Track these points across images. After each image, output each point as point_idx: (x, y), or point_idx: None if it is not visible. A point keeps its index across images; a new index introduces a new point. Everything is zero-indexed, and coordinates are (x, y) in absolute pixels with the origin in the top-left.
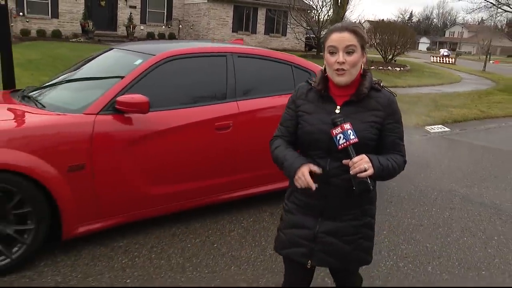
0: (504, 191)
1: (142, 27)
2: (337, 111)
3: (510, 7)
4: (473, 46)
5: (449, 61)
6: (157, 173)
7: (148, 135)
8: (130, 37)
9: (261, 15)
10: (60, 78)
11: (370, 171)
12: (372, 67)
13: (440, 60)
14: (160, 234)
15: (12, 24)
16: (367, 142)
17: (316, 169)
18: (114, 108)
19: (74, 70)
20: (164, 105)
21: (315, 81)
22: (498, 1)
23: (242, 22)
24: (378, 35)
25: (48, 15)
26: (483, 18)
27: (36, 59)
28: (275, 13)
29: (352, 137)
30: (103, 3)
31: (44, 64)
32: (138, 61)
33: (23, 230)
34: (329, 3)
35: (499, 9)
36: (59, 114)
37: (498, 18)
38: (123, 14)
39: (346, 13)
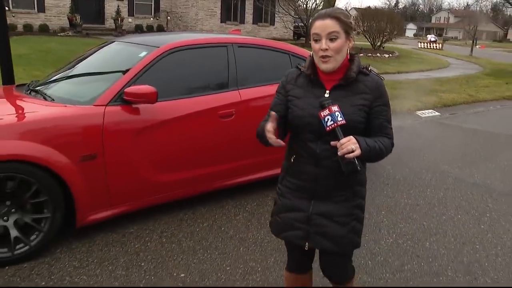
0: (494, 171)
1: (130, 20)
2: (326, 95)
3: None
4: (459, 31)
5: (436, 46)
6: (165, 161)
7: (155, 124)
8: (118, 30)
9: (249, 4)
10: (64, 71)
11: (357, 152)
12: (361, 54)
13: (427, 46)
14: (169, 220)
15: None
16: (356, 125)
17: (270, 126)
18: (122, 99)
19: (76, 64)
20: (169, 95)
21: (305, 67)
22: None
23: (230, 12)
24: (366, 22)
25: (35, 9)
26: (469, 3)
27: (26, 54)
28: (263, 2)
29: (339, 118)
30: None
31: (35, 58)
32: (143, 53)
33: (40, 218)
34: None
35: None
36: (70, 106)
37: (484, 3)
38: (110, 7)
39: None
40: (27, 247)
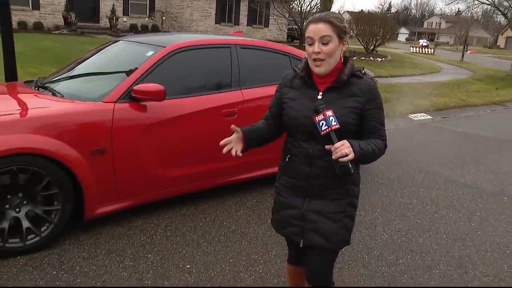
0: (484, 173)
1: (125, 19)
2: (319, 97)
3: None
4: (450, 36)
5: (428, 51)
6: (170, 157)
7: (162, 121)
8: (113, 29)
9: (244, 6)
10: (71, 69)
11: (351, 155)
12: (355, 58)
13: (419, 50)
14: (172, 214)
15: None
16: (347, 126)
17: (223, 140)
18: (130, 96)
19: (83, 62)
20: (175, 93)
21: (299, 68)
22: None
23: (225, 14)
24: (359, 25)
25: (29, 6)
26: (460, 9)
27: (22, 51)
28: (258, 4)
29: (334, 123)
30: None
31: (31, 56)
32: (150, 53)
33: (51, 210)
34: None
35: (475, 1)
36: (81, 103)
37: (475, 9)
38: (105, 6)
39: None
40: (38, 238)
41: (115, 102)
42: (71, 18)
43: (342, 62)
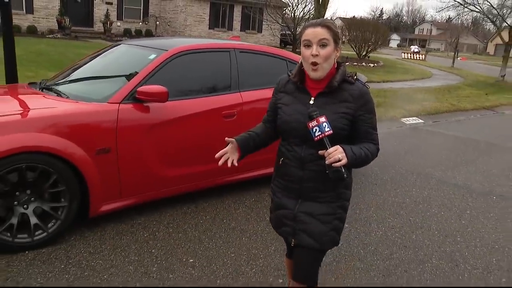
0: (474, 174)
1: (118, 24)
2: (311, 102)
3: (475, 7)
4: (441, 43)
5: (419, 57)
6: (172, 156)
7: (164, 122)
8: (107, 33)
9: (237, 12)
10: (74, 71)
11: (344, 161)
12: (347, 63)
13: (411, 56)
14: (173, 212)
15: None
16: (338, 131)
17: (219, 152)
18: (134, 97)
19: (85, 64)
20: (176, 95)
21: (293, 74)
22: (465, 1)
23: (219, 19)
24: (352, 32)
25: (23, 10)
26: (451, 16)
27: (18, 55)
28: (251, 10)
29: (327, 129)
30: None
31: (27, 60)
32: (152, 56)
33: (57, 207)
34: (304, 0)
35: (465, 9)
36: (87, 103)
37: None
38: (99, 10)
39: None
40: (45, 234)
41: (119, 103)
42: (65, 22)
43: (335, 68)
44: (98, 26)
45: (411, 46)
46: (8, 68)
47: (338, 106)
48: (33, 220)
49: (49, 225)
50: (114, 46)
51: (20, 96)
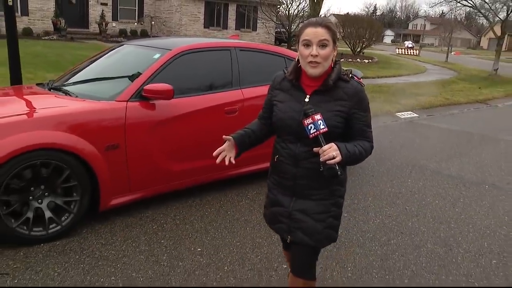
0: (467, 165)
1: (114, 24)
2: (306, 99)
3: (468, 2)
4: (435, 38)
5: (413, 52)
6: (177, 151)
7: (169, 118)
8: (102, 34)
9: (232, 10)
10: (79, 72)
11: (338, 158)
12: (342, 59)
13: (405, 52)
14: (179, 205)
15: None
16: (333, 129)
17: (217, 150)
18: (141, 95)
19: (90, 65)
20: (180, 92)
21: (288, 71)
22: None
23: (214, 18)
24: (346, 28)
25: (18, 12)
26: (444, 11)
27: None
28: (246, 8)
29: (322, 127)
30: (74, 0)
31: (24, 62)
32: (157, 55)
33: (70, 201)
34: None
35: (458, 3)
36: (96, 102)
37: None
38: (94, 12)
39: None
40: (59, 227)
41: (127, 101)
42: (60, 23)
43: (331, 66)
44: (93, 27)
45: (405, 42)
46: (12, 70)
47: (333, 104)
48: (48, 214)
49: (63, 218)
50: (118, 47)
51: (32, 96)
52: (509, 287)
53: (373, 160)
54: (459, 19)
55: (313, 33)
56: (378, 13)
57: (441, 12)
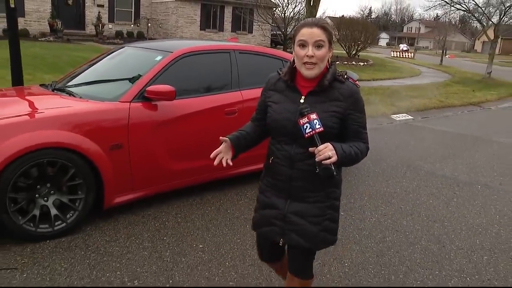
0: (460, 166)
1: (110, 26)
2: (302, 100)
3: (462, 6)
4: (430, 41)
5: (408, 55)
6: (179, 151)
7: (171, 119)
8: (99, 36)
9: (228, 13)
10: (82, 73)
11: (334, 158)
12: (338, 62)
13: (400, 55)
14: (180, 204)
15: None
16: (328, 130)
17: (215, 152)
18: (143, 96)
19: (92, 67)
20: (182, 94)
21: (283, 72)
22: (452, 0)
23: (210, 20)
24: (341, 31)
25: None
26: (438, 15)
27: None
28: (242, 10)
29: (317, 126)
30: (70, 1)
31: (23, 63)
32: (159, 57)
33: (75, 199)
34: (294, 0)
35: (452, 7)
36: (100, 102)
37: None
38: (91, 13)
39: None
40: (64, 224)
41: (130, 102)
42: (57, 25)
43: (326, 67)
44: (90, 29)
45: (400, 45)
46: (14, 71)
47: (328, 105)
48: (53, 211)
49: (68, 216)
50: (119, 49)
51: (37, 97)
52: (509, 287)
53: (368, 161)
54: (453, 22)
55: (309, 33)
56: (373, 16)
57: (435, 15)
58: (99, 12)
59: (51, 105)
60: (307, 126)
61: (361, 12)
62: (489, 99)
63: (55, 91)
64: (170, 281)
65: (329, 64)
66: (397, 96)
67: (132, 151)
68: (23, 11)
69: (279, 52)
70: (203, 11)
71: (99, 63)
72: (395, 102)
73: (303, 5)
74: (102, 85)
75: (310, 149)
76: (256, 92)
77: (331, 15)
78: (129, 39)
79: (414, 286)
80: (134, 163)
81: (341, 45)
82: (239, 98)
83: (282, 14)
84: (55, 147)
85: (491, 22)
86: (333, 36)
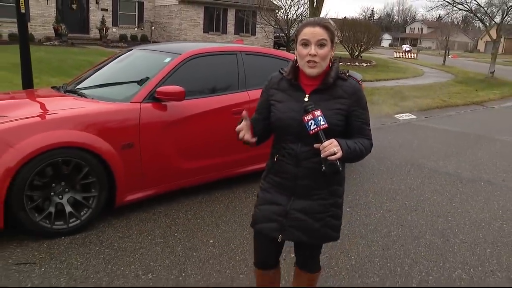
0: (463, 163)
1: (114, 30)
2: (306, 99)
3: (464, 6)
4: (432, 41)
5: (411, 56)
6: (188, 150)
7: (180, 119)
8: (103, 39)
9: (231, 15)
10: (92, 75)
11: (339, 154)
12: (341, 63)
13: (402, 55)
14: (190, 202)
15: None
16: (333, 127)
17: (239, 126)
18: (153, 97)
19: (101, 69)
20: (190, 94)
21: (286, 71)
22: (454, 0)
23: (213, 23)
24: (344, 32)
25: None
26: (441, 15)
27: (19, 63)
28: (244, 13)
29: (322, 123)
30: (74, 6)
31: None
32: (168, 59)
33: (89, 197)
34: (297, 2)
35: (454, 7)
36: (112, 103)
37: (454, 15)
38: (95, 17)
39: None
40: (78, 221)
41: (141, 102)
42: (61, 29)
43: (329, 66)
44: (94, 33)
45: (403, 45)
46: (24, 75)
47: (332, 102)
48: (68, 208)
49: (82, 213)
50: (126, 52)
51: (50, 99)
52: (509, 287)
53: (373, 159)
54: (456, 22)
55: (311, 32)
56: (376, 17)
57: (438, 16)
58: (103, 16)
59: (65, 106)
60: (311, 123)
61: (364, 13)
62: (492, 98)
63: (66, 93)
64: (183, 274)
65: (331, 62)
66: (400, 96)
67: (143, 150)
68: (28, 16)
69: (284, 53)
70: (206, 14)
71: (108, 65)
72: (398, 102)
73: (306, 7)
74: (113, 86)
75: (315, 145)
76: None
77: (333, 17)
78: (133, 43)
79: (414, 286)
80: (144, 162)
81: (344, 47)
82: (246, 98)
83: (285, 16)
84: (69, 146)
85: (493, 22)
86: (335, 35)
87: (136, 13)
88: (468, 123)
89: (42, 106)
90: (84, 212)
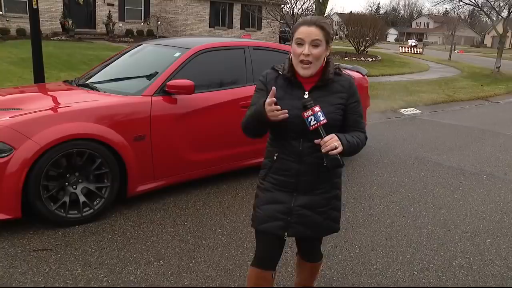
0: (467, 157)
1: (120, 25)
2: (306, 96)
3: (470, 0)
4: (439, 36)
5: (417, 51)
6: (197, 142)
7: (190, 112)
8: (110, 34)
9: (237, 10)
10: (104, 69)
11: (340, 148)
12: (346, 58)
13: (408, 50)
14: (198, 193)
15: None
16: (335, 123)
17: (270, 100)
18: (164, 90)
19: (111, 63)
20: (199, 88)
21: (284, 69)
22: None
23: (219, 18)
24: (350, 27)
25: (27, 13)
26: (447, 10)
27: (29, 57)
28: (250, 8)
29: (321, 118)
30: (81, 1)
31: None
32: (177, 54)
33: (102, 187)
34: None
35: (461, 2)
36: (124, 96)
37: (461, 9)
38: (101, 12)
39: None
40: (91, 210)
41: (152, 96)
42: (68, 24)
43: (323, 64)
44: (100, 28)
45: (409, 40)
46: (36, 70)
47: (332, 97)
48: (81, 198)
49: (95, 202)
50: (136, 46)
51: (64, 92)
52: (508, 287)
53: (377, 152)
54: (462, 17)
55: (306, 32)
56: (382, 11)
57: (444, 10)
58: (109, 11)
59: (78, 99)
60: (311, 119)
61: (369, 8)
62: (497, 93)
63: (79, 86)
64: (193, 261)
65: (324, 61)
66: (405, 91)
67: (154, 142)
68: None
69: (290, 47)
70: (212, 8)
71: (119, 60)
72: (404, 97)
73: (312, 2)
74: (125, 80)
75: (316, 141)
76: None
77: (339, 12)
78: (139, 38)
79: (413, 286)
80: (155, 153)
81: (350, 41)
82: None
83: (291, 11)
84: (83, 138)
85: (500, 17)
86: (331, 36)
87: (142, 8)
88: (473, 117)
89: (56, 99)
90: (97, 202)
